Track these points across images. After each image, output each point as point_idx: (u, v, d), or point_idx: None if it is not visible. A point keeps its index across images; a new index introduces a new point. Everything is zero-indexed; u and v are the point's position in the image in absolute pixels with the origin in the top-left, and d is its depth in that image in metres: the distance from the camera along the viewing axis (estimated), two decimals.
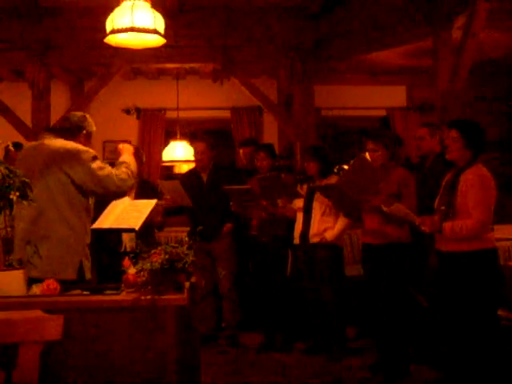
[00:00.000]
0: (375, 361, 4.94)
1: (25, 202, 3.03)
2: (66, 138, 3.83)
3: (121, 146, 4.13)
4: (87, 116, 4.01)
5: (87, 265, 3.82)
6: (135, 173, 3.98)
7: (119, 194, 3.90)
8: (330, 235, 5.28)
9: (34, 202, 3.16)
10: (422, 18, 6.38)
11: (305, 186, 5.51)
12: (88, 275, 3.80)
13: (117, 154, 4.11)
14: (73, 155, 3.71)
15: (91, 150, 3.80)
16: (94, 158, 3.77)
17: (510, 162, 8.59)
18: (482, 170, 4.09)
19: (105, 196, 3.88)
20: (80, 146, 3.79)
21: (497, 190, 4.09)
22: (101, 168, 3.75)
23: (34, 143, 3.96)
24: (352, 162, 4.85)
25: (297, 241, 5.47)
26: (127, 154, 4.05)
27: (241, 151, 6.71)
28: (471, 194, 4.00)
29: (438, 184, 4.31)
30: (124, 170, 3.86)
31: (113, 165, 3.90)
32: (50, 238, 3.63)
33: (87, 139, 3.96)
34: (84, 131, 3.94)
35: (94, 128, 4.02)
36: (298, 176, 5.79)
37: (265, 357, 5.48)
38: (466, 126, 4.17)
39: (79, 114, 4.04)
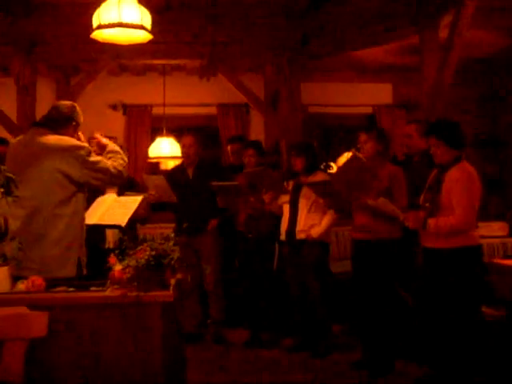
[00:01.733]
0: (360, 357, 4.96)
1: (9, 199, 3.00)
2: (56, 130, 3.78)
3: (99, 138, 4.14)
4: (76, 106, 3.97)
5: (84, 261, 3.80)
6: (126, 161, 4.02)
7: (118, 183, 4.03)
8: (315, 232, 5.29)
9: (18, 198, 3.12)
10: (409, 16, 6.40)
11: (291, 182, 5.52)
12: (85, 271, 3.79)
13: (99, 146, 4.11)
14: (69, 151, 3.69)
15: (86, 145, 3.81)
16: (89, 153, 3.77)
17: (495, 160, 8.65)
18: (467, 167, 4.12)
19: (102, 186, 3.95)
20: (75, 141, 3.78)
21: (481, 187, 4.12)
22: (97, 162, 3.77)
23: (23, 138, 3.88)
24: (343, 159, 4.87)
25: (283, 237, 5.48)
26: (112, 143, 4.09)
27: (228, 147, 6.71)
28: (456, 191, 4.03)
29: (424, 181, 4.34)
30: (120, 161, 3.90)
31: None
32: (48, 235, 3.58)
33: (75, 130, 3.93)
34: (74, 122, 3.90)
35: (82, 119, 3.99)
36: (285, 172, 5.80)
37: (250, 353, 5.48)
38: (442, 129, 4.19)
39: (68, 103, 3.99)
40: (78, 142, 3.78)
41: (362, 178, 4.52)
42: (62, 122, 3.84)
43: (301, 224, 5.34)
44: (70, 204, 3.69)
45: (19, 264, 3.32)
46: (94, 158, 3.78)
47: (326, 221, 5.32)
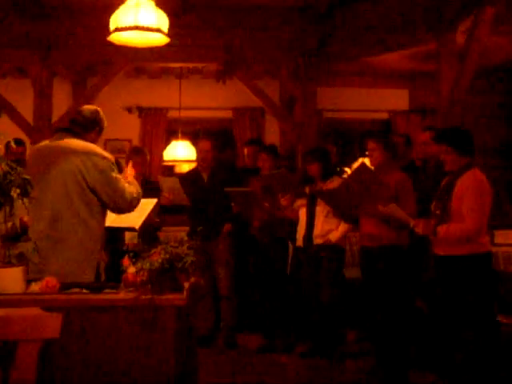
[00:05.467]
0: (373, 365, 4.92)
1: (25, 200, 3.00)
2: (80, 135, 3.74)
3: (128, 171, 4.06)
4: (100, 111, 3.91)
5: (103, 265, 3.81)
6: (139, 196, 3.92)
7: (123, 210, 3.80)
8: (333, 236, 5.28)
9: (34, 199, 3.11)
10: (426, 22, 6.37)
11: (307, 187, 5.50)
12: (103, 276, 3.79)
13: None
14: (90, 157, 3.63)
15: (110, 156, 3.73)
16: (112, 166, 3.70)
17: None
18: (478, 174, 4.09)
19: (110, 208, 3.78)
20: (99, 151, 3.71)
21: (492, 195, 4.09)
22: (117, 180, 3.69)
23: (48, 143, 3.82)
24: (352, 168, 4.85)
25: (299, 243, 5.46)
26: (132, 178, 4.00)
27: (245, 150, 6.70)
28: (466, 198, 4.00)
29: (437, 188, 4.31)
30: (134, 190, 3.80)
31: (116, 164, 3.85)
32: (69, 240, 3.57)
33: (98, 135, 3.89)
34: (97, 128, 3.86)
35: (106, 123, 3.93)
36: (301, 177, 5.78)
37: (263, 358, 5.46)
38: (453, 137, 4.18)
39: (92, 108, 3.92)
40: (103, 152, 3.72)
41: (369, 187, 4.50)
42: (86, 127, 3.80)
43: (318, 229, 5.33)
44: (92, 209, 3.66)
45: (34, 265, 3.31)
46: (116, 174, 3.69)
47: (345, 225, 5.31)
